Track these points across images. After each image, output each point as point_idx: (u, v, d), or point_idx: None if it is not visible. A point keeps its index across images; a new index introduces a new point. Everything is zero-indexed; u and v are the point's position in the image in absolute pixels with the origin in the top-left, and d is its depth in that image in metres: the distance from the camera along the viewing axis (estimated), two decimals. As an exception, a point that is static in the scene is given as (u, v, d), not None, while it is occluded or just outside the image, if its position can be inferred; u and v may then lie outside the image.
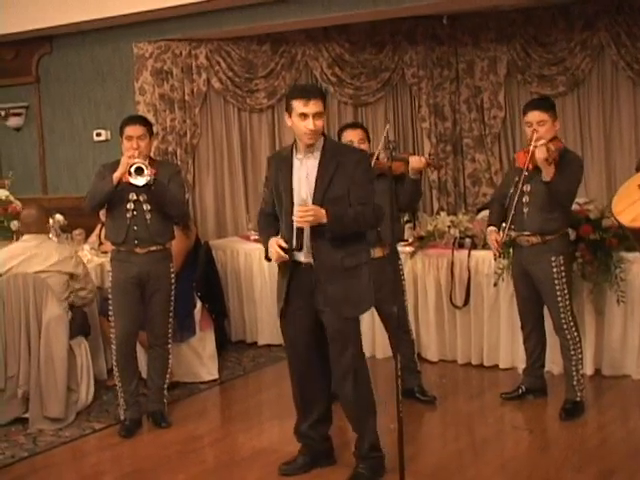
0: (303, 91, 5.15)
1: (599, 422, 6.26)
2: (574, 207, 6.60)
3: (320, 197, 5.03)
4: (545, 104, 6.30)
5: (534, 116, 6.15)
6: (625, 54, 9.27)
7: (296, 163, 5.14)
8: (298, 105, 4.99)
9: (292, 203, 5.07)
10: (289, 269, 5.13)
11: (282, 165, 5.19)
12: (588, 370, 6.81)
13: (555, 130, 6.22)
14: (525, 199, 6.22)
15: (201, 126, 9.49)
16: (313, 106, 4.99)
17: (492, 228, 6.45)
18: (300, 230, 5.01)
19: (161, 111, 9.19)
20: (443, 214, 8.10)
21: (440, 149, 10.37)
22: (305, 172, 5.09)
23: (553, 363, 6.85)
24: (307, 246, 5.06)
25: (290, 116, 5.08)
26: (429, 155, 8.95)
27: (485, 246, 7.47)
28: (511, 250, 7.03)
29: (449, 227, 7.75)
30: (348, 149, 5.58)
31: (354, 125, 6.90)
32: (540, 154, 5.93)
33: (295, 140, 5.21)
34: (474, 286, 7.48)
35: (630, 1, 9.05)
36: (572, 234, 6.67)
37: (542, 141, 5.97)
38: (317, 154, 5.10)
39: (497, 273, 7.22)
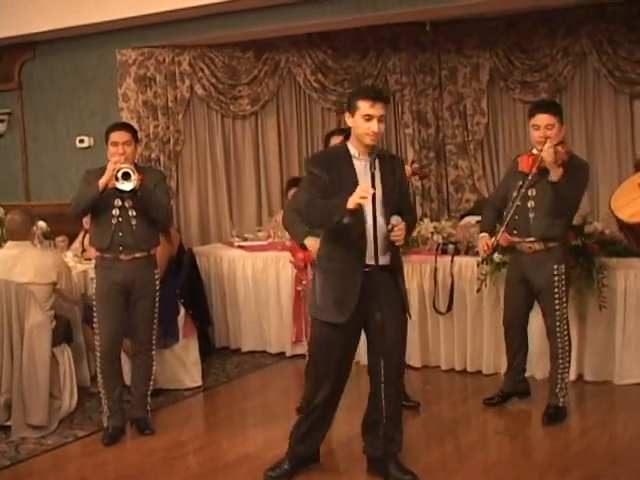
0: (371, 92, 5.12)
1: (582, 427, 6.29)
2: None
3: (389, 202, 5.06)
4: (554, 107, 6.27)
5: (543, 119, 6.10)
6: (607, 61, 9.33)
7: (357, 164, 5.07)
8: (364, 106, 4.96)
9: (361, 207, 4.93)
10: (360, 274, 5.04)
11: (339, 166, 5.08)
12: (571, 375, 6.82)
13: (562, 133, 6.20)
14: (530, 204, 6.18)
15: (184, 133, 9.50)
16: (379, 109, 4.98)
17: (484, 234, 6.43)
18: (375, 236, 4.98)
19: (144, 118, 9.20)
20: (426, 220, 8.13)
21: (423, 155, 10.40)
22: (370, 176, 4.98)
23: (537, 369, 6.86)
24: (383, 249, 5.04)
25: (353, 116, 5.03)
26: (412, 162, 8.96)
27: (468, 252, 7.50)
28: (495, 256, 7.07)
29: (432, 233, 7.78)
30: (390, 154, 5.56)
31: (342, 131, 6.87)
32: (548, 157, 5.91)
33: (348, 141, 5.15)
34: (457, 292, 7.50)
35: (612, 9, 9.11)
36: (579, 241, 6.70)
37: (548, 144, 5.95)
38: (375, 157, 5.04)
39: (480, 279, 7.24)
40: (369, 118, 4.95)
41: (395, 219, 5.01)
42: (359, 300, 5.02)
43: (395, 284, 5.18)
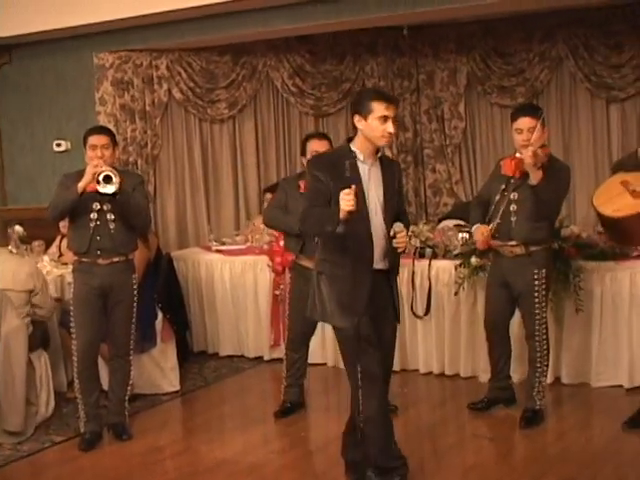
0: (385, 94, 5.11)
1: (558, 430, 6.31)
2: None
3: (389, 207, 5.03)
4: (536, 111, 6.26)
5: (525, 123, 6.11)
6: (583, 66, 9.40)
7: (361, 166, 5.00)
8: (379, 107, 4.87)
9: (366, 205, 4.94)
10: (368, 279, 4.98)
11: (345, 170, 4.95)
12: (548, 378, 6.84)
13: (545, 137, 6.21)
14: (512, 207, 6.19)
15: (162, 137, 9.49)
16: (392, 110, 4.92)
17: (478, 225, 6.38)
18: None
19: (122, 121, 9.18)
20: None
21: (401, 159, 10.42)
22: (372, 179, 5.00)
23: (514, 372, 6.88)
24: (383, 253, 5.02)
25: (365, 118, 4.91)
26: None
27: (446, 256, 7.52)
28: (473, 259, 7.09)
29: (410, 237, 7.78)
30: (389, 159, 5.48)
31: (321, 136, 6.90)
32: (528, 159, 5.93)
33: (351, 143, 5.05)
34: (435, 296, 7.51)
35: (588, 14, 9.16)
36: (556, 244, 6.70)
37: (531, 148, 5.96)
38: (377, 161, 5.05)
39: (457, 282, 7.26)
40: (385, 119, 4.88)
41: (398, 226, 4.97)
42: (367, 303, 4.96)
43: (390, 289, 5.15)
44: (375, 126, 4.89)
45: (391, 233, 4.96)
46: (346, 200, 4.67)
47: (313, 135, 6.93)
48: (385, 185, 5.05)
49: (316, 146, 6.55)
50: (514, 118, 6.23)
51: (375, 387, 5.03)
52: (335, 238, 4.91)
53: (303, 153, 6.65)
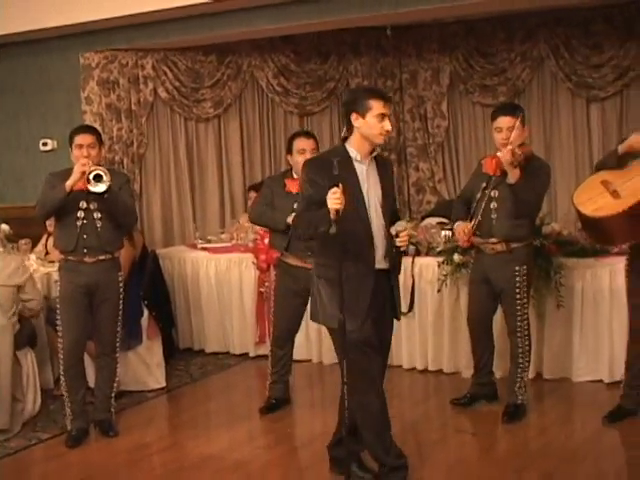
0: (380, 91, 5.10)
1: (540, 425, 6.33)
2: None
3: (388, 206, 5.02)
4: (515, 110, 6.27)
5: (504, 121, 6.13)
6: (564, 65, 9.43)
7: (358, 167, 4.95)
8: (378, 105, 4.84)
9: (365, 207, 4.92)
10: (372, 275, 4.95)
11: (341, 171, 4.81)
12: (530, 374, 6.86)
13: (524, 135, 6.22)
14: (493, 205, 6.20)
15: (148, 136, 9.48)
16: (389, 107, 4.93)
17: (460, 222, 6.39)
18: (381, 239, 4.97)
19: (108, 121, 9.17)
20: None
21: (385, 158, 10.43)
22: (370, 178, 4.97)
23: (497, 367, 6.89)
24: (383, 252, 4.98)
25: (363, 117, 4.86)
26: None
27: (429, 253, 7.53)
28: (455, 257, 7.11)
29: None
30: (383, 158, 5.39)
31: (307, 134, 6.87)
32: (505, 157, 5.95)
33: (347, 143, 5.01)
34: (418, 292, 7.48)
35: (569, 14, 9.19)
36: (537, 241, 6.72)
37: (510, 147, 5.97)
38: (373, 160, 5.02)
39: (440, 279, 7.28)
40: (383, 117, 4.85)
41: (400, 225, 4.99)
42: (370, 304, 4.93)
43: (391, 288, 5.10)
44: (373, 124, 4.85)
45: (393, 232, 4.93)
46: (333, 199, 4.63)
47: (299, 133, 6.92)
48: (382, 184, 5.02)
49: (302, 144, 6.54)
50: (494, 117, 6.26)
51: (373, 388, 5.02)
52: (335, 241, 4.80)
53: (289, 151, 6.64)
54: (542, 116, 9.87)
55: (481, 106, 10.00)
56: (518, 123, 6.10)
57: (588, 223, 5.88)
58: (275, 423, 6.63)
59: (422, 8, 7.72)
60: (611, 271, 7.00)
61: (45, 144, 9.62)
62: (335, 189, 4.65)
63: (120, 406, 6.85)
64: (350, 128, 4.98)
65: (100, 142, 6.30)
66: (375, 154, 5.02)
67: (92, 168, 5.94)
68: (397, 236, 4.92)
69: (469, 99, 10.25)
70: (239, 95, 9.94)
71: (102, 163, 6.28)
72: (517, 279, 6.25)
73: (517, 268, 6.23)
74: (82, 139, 6.16)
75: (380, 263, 4.98)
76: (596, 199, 5.74)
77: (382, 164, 5.11)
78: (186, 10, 8.17)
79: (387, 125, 4.86)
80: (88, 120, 8.90)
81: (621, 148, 5.81)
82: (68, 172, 6.04)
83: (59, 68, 9.40)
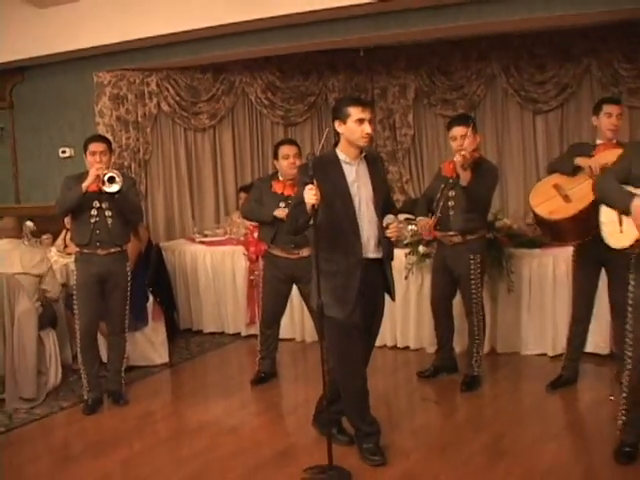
0: (358, 99, 5.04)
1: (493, 393, 6.37)
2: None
3: (379, 200, 4.94)
4: (467, 120, 6.28)
5: (458, 131, 6.14)
6: (513, 82, 9.45)
7: (347, 168, 4.88)
8: (355, 111, 4.78)
9: (352, 205, 4.85)
10: (360, 266, 4.86)
11: (330, 173, 4.85)
12: (485, 349, 6.88)
13: (476, 142, 6.21)
14: (450, 203, 6.24)
15: (152, 144, 9.44)
16: (368, 112, 4.84)
17: (422, 217, 6.42)
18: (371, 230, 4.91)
19: (117, 131, 9.13)
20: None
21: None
22: (360, 177, 4.90)
23: (456, 344, 6.91)
24: (375, 243, 4.92)
25: (344, 123, 4.82)
26: None
27: (397, 245, 7.54)
28: (420, 248, 7.14)
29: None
30: (373, 153, 5.30)
31: (291, 141, 6.87)
32: (457, 161, 5.96)
33: (337, 147, 4.94)
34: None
35: (517, 39, 9.22)
36: (490, 234, 6.74)
37: (463, 152, 5.97)
38: (363, 160, 4.94)
39: (407, 268, 7.30)
40: (362, 121, 4.78)
41: (389, 218, 4.94)
42: (359, 292, 4.86)
43: (383, 274, 5.03)
44: (354, 128, 4.80)
45: (384, 224, 4.90)
46: (310, 195, 4.60)
47: (284, 141, 6.92)
48: (373, 180, 4.95)
49: (286, 150, 6.55)
50: (449, 127, 6.28)
51: (357, 369, 5.02)
52: (325, 237, 4.80)
53: (275, 157, 6.64)
54: (495, 126, 9.87)
55: (442, 117, 9.98)
56: (469, 131, 6.12)
57: (544, 224, 5.88)
58: (264, 393, 6.65)
59: (390, 32, 7.74)
60: (554, 260, 7.05)
61: (64, 152, 9.57)
62: (310, 186, 4.61)
63: (129, 379, 6.84)
64: (337, 134, 4.94)
65: (110, 149, 6.30)
66: (364, 154, 4.96)
67: (106, 171, 5.96)
68: (387, 228, 4.89)
69: (432, 111, 10.25)
70: (232, 108, 9.90)
71: (111, 168, 6.26)
72: (472, 267, 6.28)
73: (472, 257, 6.27)
74: (95, 147, 6.16)
75: (373, 253, 4.93)
76: (550, 202, 5.74)
77: (372, 161, 5.02)
78: (186, 35, 8.16)
79: (366, 128, 4.81)
80: (100, 130, 8.87)
81: (580, 162, 5.80)
82: (83, 175, 6.06)
83: (75, 86, 9.35)
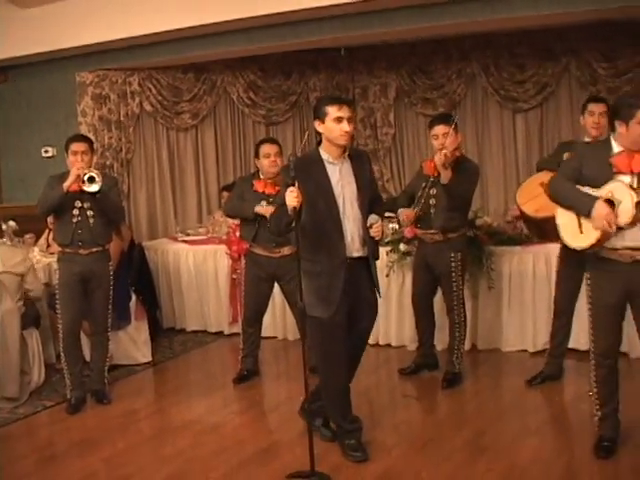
0: (336, 98, 4.98)
1: (474, 389, 6.39)
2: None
3: (364, 198, 4.92)
4: (448, 119, 6.27)
5: (440, 129, 6.13)
6: (493, 82, 9.49)
7: (330, 168, 4.86)
8: (333, 110, 4.76)
9: (336, 204, 4.84)
10: (344, 266, 4.85)
11: (313, 172, 4.84)
12: (465, 345, 6.91)
13: (458, 141, 6.22)
14: (432, 201, 6.24)
15: (135, 143, 9.43)
16: (346, 110, 4.78)
17: (403, 209, 6.40)
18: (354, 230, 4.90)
19: (100, 130, 9.12)
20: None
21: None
22: (344, 177, 4.88)
23: (437, 341, 6.93)
24: (360, 242, 4.92)
25: (323, 122, 4.80)
26: None
27: (378, 243, 7.55)
28: (401, 246, 7.15)
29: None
30: (358, 150, 5.28)
31: (272, 140, 6.87)
32: (438, 160, 5.96)
33: (320, 147, 4.92)
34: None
35: (497, 38, 9.24)
36: (471, 232, 6.76)
37: (445, 150, 5.96)
38: (347, 159, 4.92)
39: (388, 266, 7.31)
40: (339, 120, 4.76)
41: (373, 218, 4.90)
42: (343, 292, 4.85)
43: (369, 271, 5.01)
44: (332, 127, 4.78)
45: (368, 224, 4.88)
46: (291, 197, 4.59)
47: (265, 140, 6.93)
48: (357, 179, 4.93)
49: (267, 149, 6.55)
50: (431, 126, 6.27)
51: (339, 368, 5.02)
52: (309, 237, 4.80)
53: (257, 155, 6.64)
54: (475, 125, 9.90)
55: (423, 116, 10.01)
56: (451, 130, 6.14)
57: (530, 221, 5.90)
58: (246, 391, 6.64)
59: (371, 32, 7.76)
60: (534, 257, 7.09)
61: (46, 151, 9.54)
62: (292, 188, 4.60)
63: (113, 378, 6.83)
64: (319, 134, 4.92)
65: (92, 149, 6.29)
66: (347, 153, 4.95)
67: (86, 171, 5.94)
68: (371, 227, 4.88)
69: (413, 110, 10.27)
70: (214, 108, 9.90)
71: (93, 168, 6.25)
72: (453, 264, 6.30)
73: (453, 255, 6.29)
74: (76, 147, 6.15)
75: (358, 252, 4.93)
76: (537, 200, 5.75)
77: (357, 159, 5.00)
78: (167, 34, 8.15)
79: (344, 127, 4.77)
80: (83, 130, 8.85)
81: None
82: (65, 175, 6.04)
83: (58, 86, 9.32)
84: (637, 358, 6.66)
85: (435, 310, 6.72)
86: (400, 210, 6.44)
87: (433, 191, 6.23)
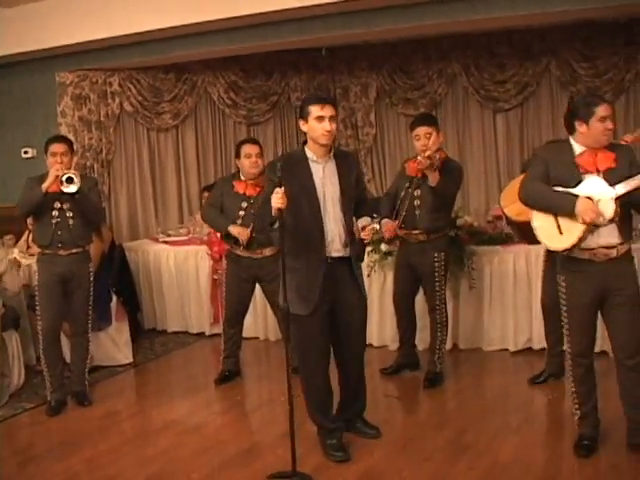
0: (318, 97, 5.01)
1: (456, 388, 6.40)
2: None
3: (347, 199, 4.95)
4: (430, 119, 6.32)
5: (422, 130, 6.14)
6: (473, 81, 9.51)
7: (314, 166, 4.90)
8: (315, 109, 4.80)
9: (318, 203, 4.86)
10: (323, 265, 4.88)
11: (297, 171, 4.88)
12: (447, 345, 6.92)
13: (440, 141, 6.23)
14: (416, 202, 6.25)
15: (115, 144, 9.41)
16: (328, 110, 4.81)
17: (387, 220, 6.36)
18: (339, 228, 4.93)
19: (80, 131, 9.09)
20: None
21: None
22: (327, 176, 4.92)
23: (419, 341, 6.94)
24: (341, 242, 4.93)
25: (306, 121, 4.85)
26: None
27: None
28: (382, 246, 7.15)
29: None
30: (345, 152, 5.30)
31: (253, 141, 6.85)
32: (425, 162, 5.94)
33: (306, 146, 4.96)
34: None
35: (477, 38, 9.27)
36: (452, 232, 6.76)
37: (428, 152, 5.97)
38: (332, 158, 4.95)
39: (370, 266, 7.30)
40: (321, 119, 4.79)
41: (365, 220, 4.96)
42: (322, 290, 4.87)
43: (352, 272, 5.03)
44: (314, 126, 4.83)
45: (360, 226, 4.91)
46: (276, 199, 4.59)
47: (246, 140, 6.92)
48: (341, 179, 4.95)
49: (248, 149, 6.54)
50: (413, 127, 6.27)
51: (318, 366, 5.04)
52: (291, 234, 4.81)
53: (237, 156, 6.63)
54: (456, 124, 9.92)
55: (404, 116, 10.02)
56: (434, 131, 6.15)
57: (512, 224, 5.91)
58: (228, 392, 6.63)
59: (352, 32, 7.77)
60: (514, 256, 7.12)
61: (26, 152, 9.48)
62: (277, 190, 4.60)
63: (93, 379, 6.81)
64: (304, 134, 4.96)
65: (72, 150, 6.26)
66: (332, 153, 4.97)
67: (64, 172, 5.92)
68: (364, 229, 4.90)
69: (394, 110, 10.27)
70: (194, 108, 9.88)
71: (74, 169, 6.22)
72: (436, 264, 6.32)
73: (436, 255, 6.31)
74: (56, 148, 6.12)
75: (338, 252, 4.95)
76: (519, 203, 5.78)
77: (342, 159, 5.02)
78: (148, 35, 8.13)
79: (326, 126, 4.81)
80: (63, 131, 8.81)
81: None
82: (45, 176, 6.01)
83: (38, 86, 9.28)
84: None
85: (416, 310, 6.72)
86: (384, 222, 6.40)
87: (417, 192, 6.24)
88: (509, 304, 7.17)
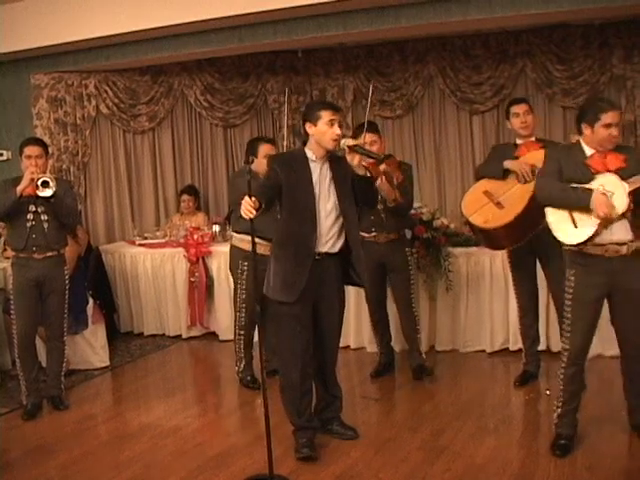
0: (331, 104, 5.22)
1: (432, 390, 6.41)
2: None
3: (343, 197, 5.06)
4: (373, 127, 6.34)
5: (369, 137, 6.16)
6: (450, 83, 9.51)
7: (312, 165, 5.04)
8: (327, 114, 4.95)
9: (313, 197, 4.97)
10: (311, 258, 4.95)
11: (297, 167, 5.03)
12: (424, 347, 6.92)
13: (383, 147, 6.36)
14: (380, 207, 6.26)
15: (91, 146, 9.36)
16: (338, 115, 5.02)
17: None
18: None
19: (56, 134, 9.03)
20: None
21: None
22: (323, 175, 5.04)
23: (395, 342, 6.96)
24: (331, 238, 5.04)
25: (315, 124, 4.98)
26: None
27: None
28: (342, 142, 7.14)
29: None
30: (337, 156, 5.33)
31: (272, 141, 6.73)
32: (383, 188, 6.03)
33: (306, 147, 5.09)
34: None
35: (453, 40, 9.29)
36: (408, 233, 6.81)
37: (382, 178, 6.02)
38: (327, 160, 5.08)
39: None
40: (332, 124, 4.95)
41: (347, 141, 5.04)
42: (308, 283, 4.95)
43: (336, 270, 5.13)
44: (325, 130, 4.96)
45: (343, 146, 5.01)
46: (245, 209, 4.63)
47: (263, 139, 6.74)
48: (336, 178, 5.07)
49: (268, 149, 6.40)
50: (356, 135, 6.24)
51: (295, 361, 5.08)
52: (283, 223, 5.01)
53: (254, 154, 6.42)
54: (432, 126, 9.93)
55: (381, 118, 10.01)
56: (377, 137, 6.27)
57: (479, 232, 5.94)
58: (205, 395, 6.66)
59: (328, 34, 7.76)
60: (491, 257, 7.14)
61: (1, 154, 9.43)
62: (247, 199, 4.64)
63: (69, 383, 6.79)
64: (307, 135, 5.06)
65: (47, 153, 6.22)
66: (329, 154, 5.08)
67: (40, 175, 5.89)
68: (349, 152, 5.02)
69: (371, 112, 10.27)
70: (171, 110, 9.85)
71: (49, 172, 6.19)
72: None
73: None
74: (30, 150, 6.09)
75: (328, 248, 5.05)
76: (484, 211, 5.80)
77: (336, 161, 5.13)
78: (124, 37, 8.10)
79: (337, 129, 4.96)
80: (39, 133, 8.76)
81: (509, 165, 5.90)
82: (19, 179, 5.98)
83: (12, 88, 9.22)
84: (610, 356, 6.66)
85: (389, 312, 6.77)
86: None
87: (380, 206, 6.28)
88: (485, 305, 7.20)
